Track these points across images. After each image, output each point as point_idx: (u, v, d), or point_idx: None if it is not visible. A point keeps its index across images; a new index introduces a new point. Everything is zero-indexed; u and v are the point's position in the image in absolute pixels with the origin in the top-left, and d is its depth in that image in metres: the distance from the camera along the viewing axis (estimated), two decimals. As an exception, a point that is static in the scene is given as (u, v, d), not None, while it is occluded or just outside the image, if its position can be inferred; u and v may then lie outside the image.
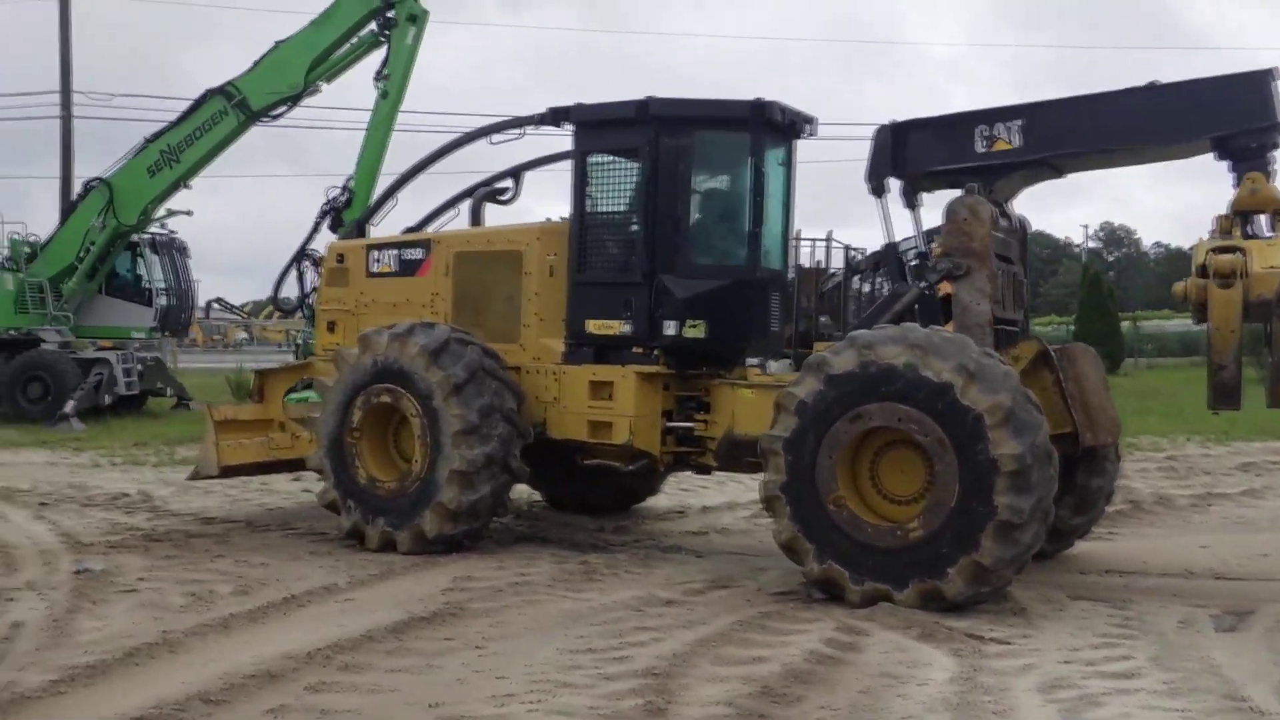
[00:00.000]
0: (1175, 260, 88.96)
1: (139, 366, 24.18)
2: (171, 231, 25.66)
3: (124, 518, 11.57)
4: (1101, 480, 9.82)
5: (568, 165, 10.26)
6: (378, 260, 11.30)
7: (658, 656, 6.66)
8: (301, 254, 15.42)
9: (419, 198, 12.58)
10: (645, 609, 7.92)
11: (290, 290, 14.60)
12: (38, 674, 6.20)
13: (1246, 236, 8.34)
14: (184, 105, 22.08)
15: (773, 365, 10.27)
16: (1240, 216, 8.37)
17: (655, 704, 5.82)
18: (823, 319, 12.53)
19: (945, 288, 9.23)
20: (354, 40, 21.03)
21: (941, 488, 7.79)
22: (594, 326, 9.94)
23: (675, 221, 9.66)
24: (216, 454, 11.30)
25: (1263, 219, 8.44)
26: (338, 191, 17.62)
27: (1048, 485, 7.81)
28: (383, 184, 19.10)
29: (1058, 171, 9.49)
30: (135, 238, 24.16)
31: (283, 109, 21.82)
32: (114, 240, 23.23)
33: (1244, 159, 8.41)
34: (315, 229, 16.31)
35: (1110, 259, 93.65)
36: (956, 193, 9.16)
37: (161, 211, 23.73)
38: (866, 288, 13.29)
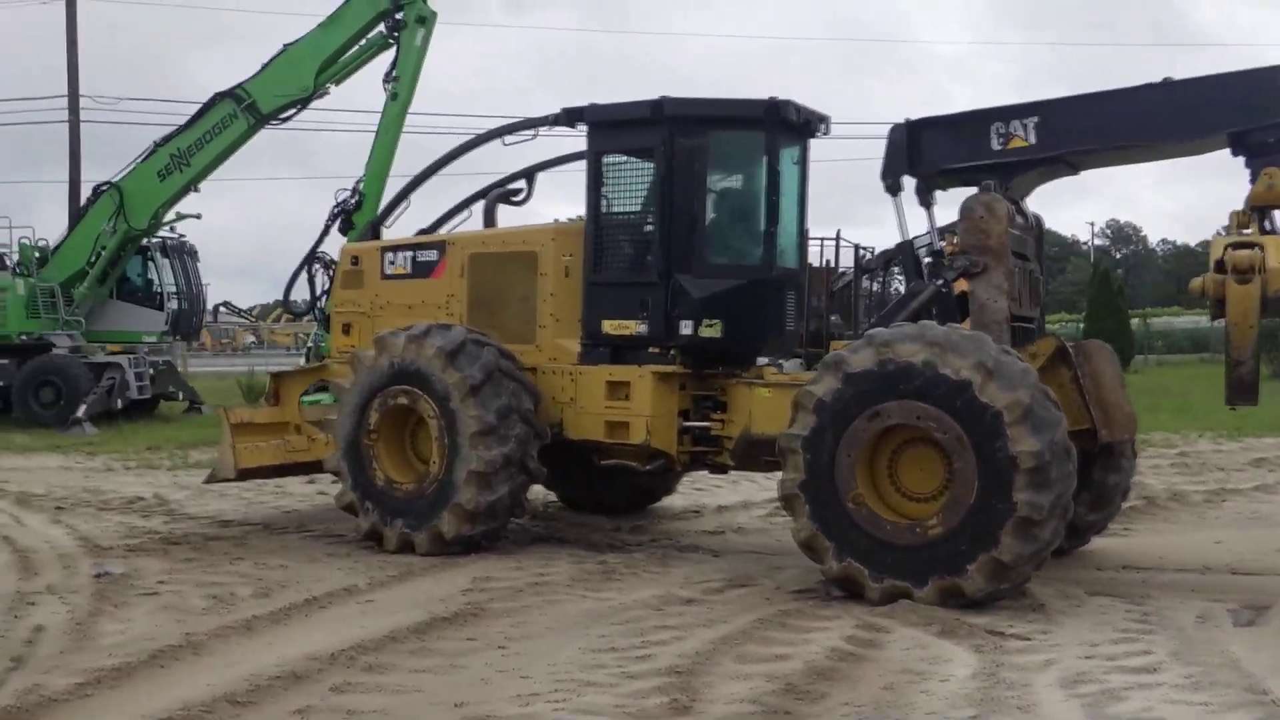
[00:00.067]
0: (1182, 257, 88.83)
1: (150, 371, 24.29)
2: (181, 235, 25.76)
3: (141, 521, 11.61)
4: (1118, 477, 9.83)
5: (577, 166, 10.30)
6: (392, 262, 11.32)
7: (680, 655, 6.67)
8: (312, 257, 15.47)
9: (431, 199, 12.64)
10: (665, 608, 7.93)
11: (301, 293, 14.66)
12: (63, 677, 6.22)
13: (1264, 232, 8.33)
14: (192, 109, 22.22)
15: (785, 364, 10.30)
16: (1257, 212, 8.35)
17: (680, 702, 5.83)
18: (833, 318, 12.56)
19: (961, 285, 9.24)
20: (363, 42, 21.11)
21: (960, 485, 7.80)
22: (610, 327, 9.95)
23: (691, 221, 9.68)
24: (233, 456, 11.32)
25: (1279, 214, 8.43)
26: (347, 194, 17.71)
27: (1067, 482, 7.81)
28: (393, 185, 19.18)
29: (1073, 168, 9.49)
30: (146, 242, 24.23)
31: (292, 111, 21.91)
32: (124, 244, 23.32)
33: (1260, 154, 8.40)
34: (325, 232, 16.37)
35: (1117, 256, 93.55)
36: (971, 190, 9.16)
37: (171, 215, 23.82)
38: (876, 287, 13.35)
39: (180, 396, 25.75)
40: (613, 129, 10.04)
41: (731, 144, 9.95)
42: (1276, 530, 11.27)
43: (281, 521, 11.61)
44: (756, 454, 9.43)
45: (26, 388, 22.49)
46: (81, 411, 21.54)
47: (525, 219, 11.46)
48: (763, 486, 13.26)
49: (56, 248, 24.03)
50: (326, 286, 14.69)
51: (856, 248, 12.54)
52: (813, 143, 10.27)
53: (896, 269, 11.45)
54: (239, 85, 21.58)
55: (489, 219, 11.45)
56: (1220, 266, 8.07)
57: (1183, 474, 15.02)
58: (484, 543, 9.90)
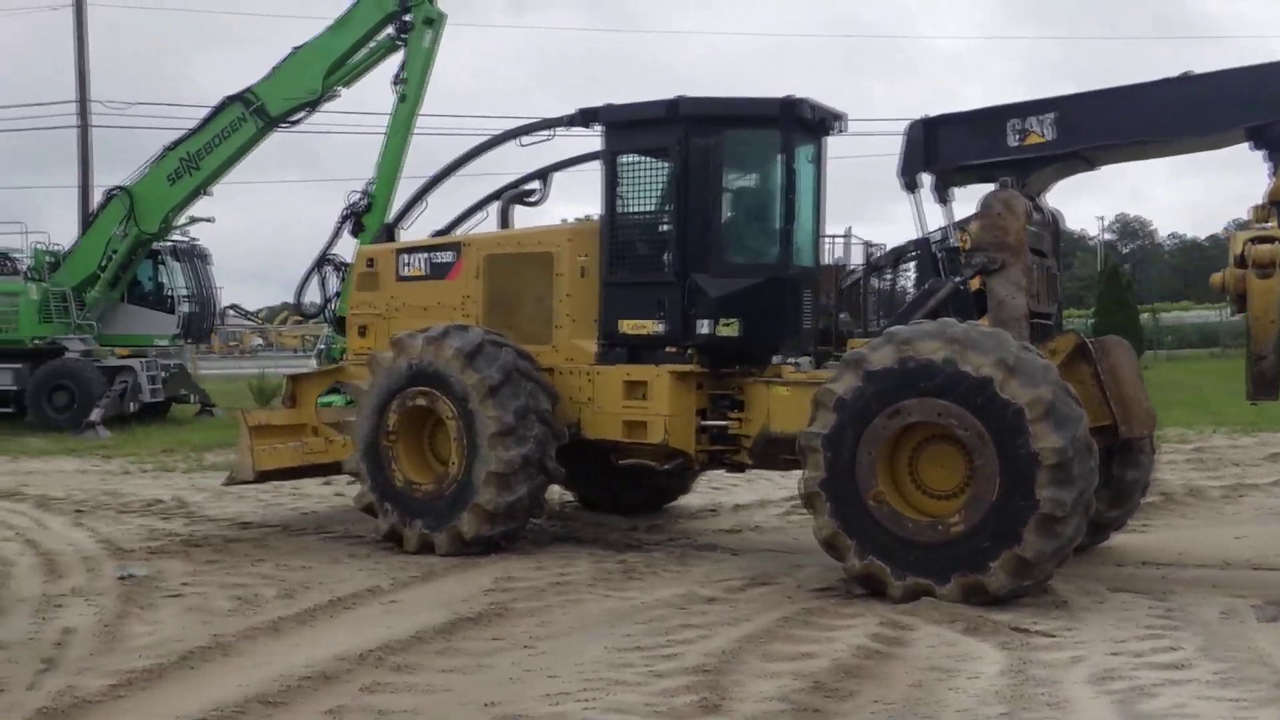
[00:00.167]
0: (1190, 252, 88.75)
1: (163, 374, 24.37)
2: (193, 239, 25.84)
3: (161, 523, 11.65)
4: (1137, 473, 9.82)
5: (587, 167, 10.30)
6: (408, 264, 11.34)
7: (706, 654, 6.68)
8: (323, 259, 15.54)
9: (446, 200, 12.65)
10: (688, 607, 7.94)
11: (313, 295, 14.70)
12: (95, 679, 6.25)
13: (1284, 226, 8.31)
14: (201, 113, 22.29)
15: (802, 363, 10.29)
16: (1277, 206, 8.34)
17: (710, 700, 5.85)
18: (842, 316, 12.55)
19: (977, 282, 9.24)
20: (371, 44, 21.14)
21: (982, 482, 7.80)
22: (627, 326, 9.97)
23: (707, 220, 9.68)
24: (252, 459, 11.36)
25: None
26: (358, 196, 17.77)
27: (1089, 478, 7.81)
28: (403, 187, 19.26)
29: (1090, 164, 9.48)
30: (157, 245, 24.31)
31: (301, 114, 21.96)
32: (136, 248, 23.39)
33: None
34: (336, 234, 16.46)
35: (1125, 251, 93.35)
36: (989, 187, 9.17)
37: (183, 219, 23.89)
38: (886, 284, 13.34)
39: (192, 399, 25.83)
40: (628, 129, 10.04)
41: (747, 143, 9.95)
42: (1296, 525, 11.25)
43: (300, 523, 11.64)
44: (775, 452, 9.44)
45: (40, 392, 22.61)
46: (95, 415, 21.65)
47: (533, 219, 11.50)
48: (779, 485, 13.27)
49: (68, 252, 24.13)
50: (338, 288, 14.78)
51: (866, 245, 12.53)
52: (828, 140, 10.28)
53: (906, 266, 11.45)
54: (248, 89, 21.65)
55: (504, 220, 11.47)
56: (1241, 261, 8.06)
57: (1199, 469, 15.00)
58: (503, 543, 9.92)
